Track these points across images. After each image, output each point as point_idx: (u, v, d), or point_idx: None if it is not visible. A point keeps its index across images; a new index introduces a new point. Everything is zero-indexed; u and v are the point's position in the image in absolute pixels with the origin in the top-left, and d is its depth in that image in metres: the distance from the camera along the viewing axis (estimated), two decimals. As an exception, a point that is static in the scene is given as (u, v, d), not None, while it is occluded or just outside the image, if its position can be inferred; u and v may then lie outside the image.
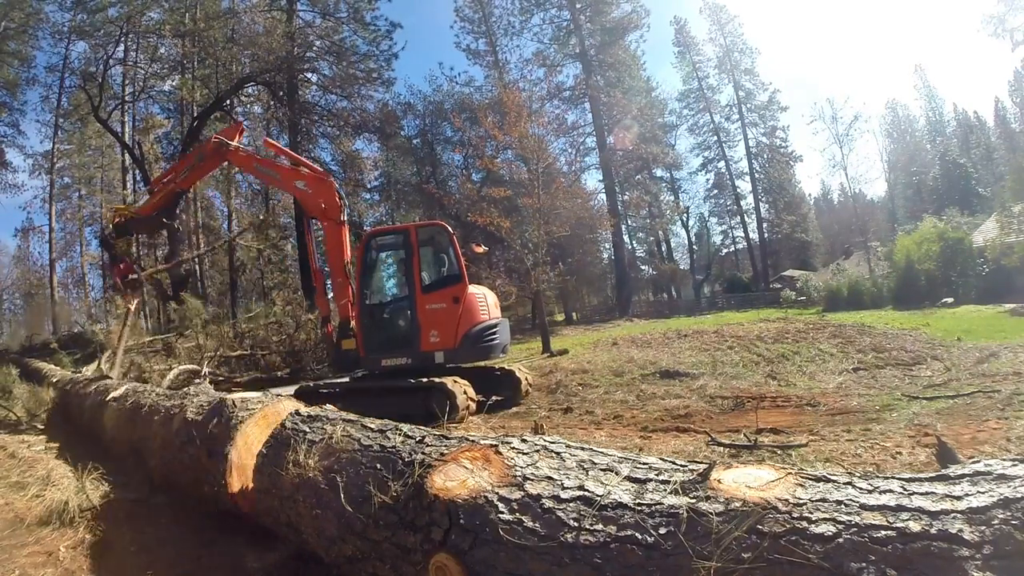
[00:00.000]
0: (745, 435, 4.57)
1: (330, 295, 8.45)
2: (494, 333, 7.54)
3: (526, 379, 8.19)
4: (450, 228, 8.06)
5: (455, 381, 6.80)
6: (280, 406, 3.04)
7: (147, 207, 8.48)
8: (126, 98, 27.80)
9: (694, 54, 44.31)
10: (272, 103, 27.85)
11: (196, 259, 28.01)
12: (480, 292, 7.86)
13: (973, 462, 1.35)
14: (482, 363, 8.01)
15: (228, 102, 25.58)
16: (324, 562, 2.15)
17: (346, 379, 8.27)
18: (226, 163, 9.01)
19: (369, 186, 32.84)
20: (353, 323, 7.76)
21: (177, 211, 8.95)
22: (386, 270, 8.18)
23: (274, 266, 27.57)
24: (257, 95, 28.09)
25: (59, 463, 4.49)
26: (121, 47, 26.59)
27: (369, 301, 7.94)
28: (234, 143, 8.17)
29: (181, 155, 9.42)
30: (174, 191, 8.37)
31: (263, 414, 2.97)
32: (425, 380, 6.90)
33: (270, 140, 9.96)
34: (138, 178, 28.18)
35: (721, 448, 4.32)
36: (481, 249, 9.23)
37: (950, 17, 70.04)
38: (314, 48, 27.81)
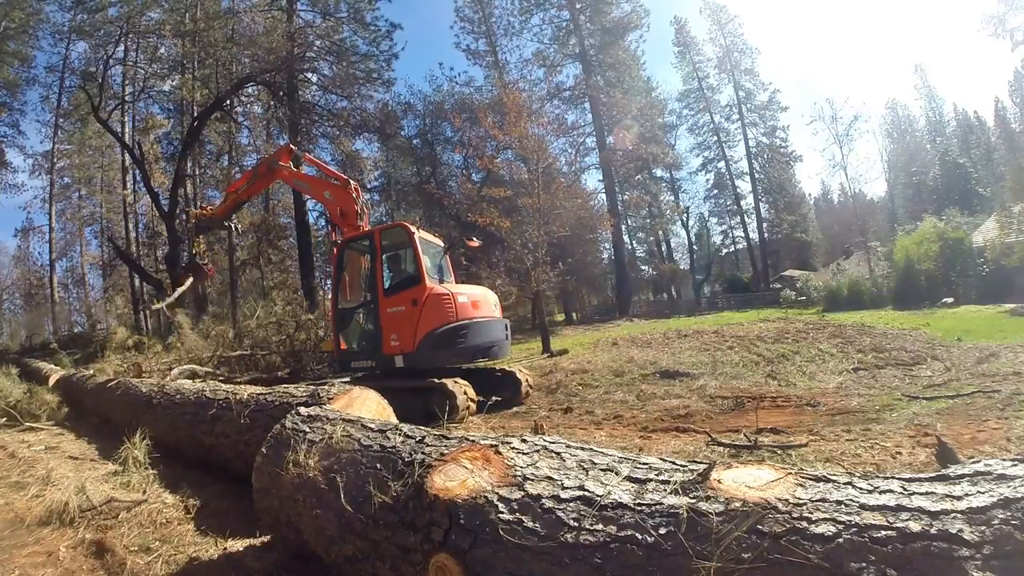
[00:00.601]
0: (745, 435, 4.57)
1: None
2: (462, 335, 7.04)
3: (526, 379, 8.18)
4: (411, 228, 7.73)
5: (455, 382, 6.79)
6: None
7: (221, 210, 10.72)
8: (126, 98, 27.80)
9: (694, 54, 44.35)
10: (272, 103, 27.84)
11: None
12: (460, 291, 7.45)
13: (973, 462, 1.35)
14: (482, 363, 8.00)
15: (228, 102, 25.56)
16: (324, 562, 2.15)
17: (346, 379, 8.28)
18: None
19: (369, 186, 32.81)
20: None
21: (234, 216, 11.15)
22: (356, 273, 8.30)
23: (274, 266, 27.56)
24: (257, 95, 28.08)
25: (59, 463, 4.50)
26: (121, 47, 26.63)
27: (341, 305, 8.04)
28: (283, 163, 9.88)
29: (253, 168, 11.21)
30: (238, 200, 10.52)
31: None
32: (425, 380, 6.90)
33: (311, 156, 11.31)
34: (138, 178, 28.20)
35: (721, 448, 4.32)
36: (475, 243, 9.30)
37: (950, 17, 70.12)
38: (314, 48, 27.79)
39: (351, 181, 9.05)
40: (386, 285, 7.63)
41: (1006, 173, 30.70)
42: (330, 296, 8.33)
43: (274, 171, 9.96)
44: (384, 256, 7.87)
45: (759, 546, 1.19)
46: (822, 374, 8.52)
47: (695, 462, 1.54)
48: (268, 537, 2.61)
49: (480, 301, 7.65)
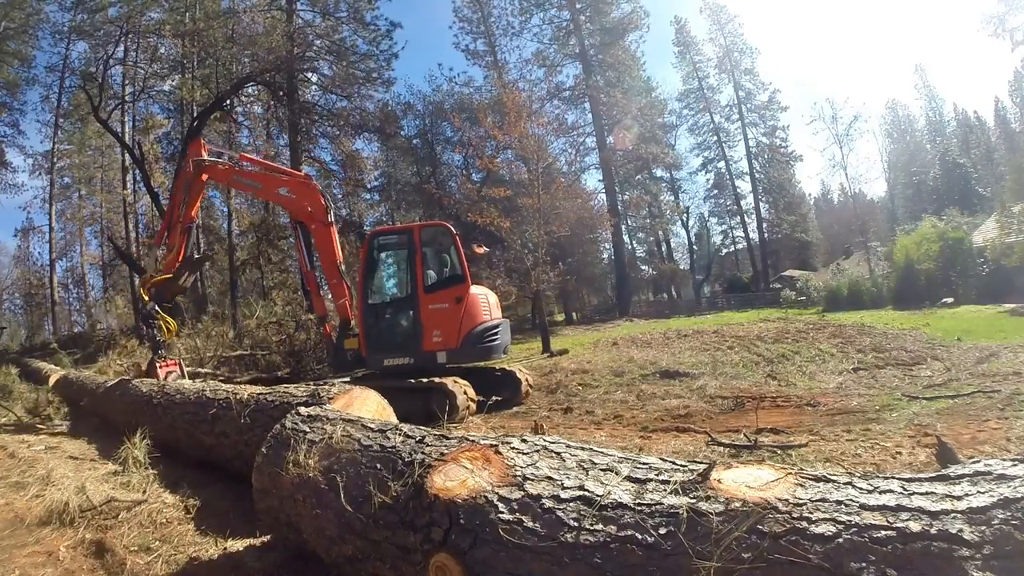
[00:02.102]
0: (745, 435, 4.57)
1: (328, 296, 8.57)
2: (495, 333, 7.56)
3: (526, 379, 8.19)
4: (453, 229, 8.12)
5: (455, 381, 6.80)
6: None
7: (171, 262, 8.04)
8: (126, 98, 27.78)
9: (694, 54, 44.29)
10: (272, 103, 27.84)
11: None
12: (482, 292, 7.88)
13: (973, 462, 1.36)
14: (482, 364, 8.01)
15: (228, 102, 25.57)
16: (324, 562, 2.15)
17: (346, 379, 8.28)
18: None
19: (369, 186, 32.82)
20: (354, 322, 7.78)
21: (192, 242, 8.56)
22: (387, 270, 8.19)
23: (274, 266, 27.54)
24: (257, 95, 28.07)
25: (59, 463, 4.50)
26: (121, 47, 26.60)
27: (371, 301, 7.95)
28: (207, 157, 8.26)
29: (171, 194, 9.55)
30: (186, 226, 8.20)
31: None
32: (425, 380, 6.90)
33: (245, 155, 9.66)
34: (138, 178, 28.17)
35: (721, 448, 4.33)
36: (482, 250, 9.23)
37: (950, 17, 70.09)
38: (314, 48, 27.79)
39: (311, 176, 8.67)
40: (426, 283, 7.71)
41: (1006, 173, 30.72)
42: (345, 293, 8.02)
43: (202, 169, 8.20)
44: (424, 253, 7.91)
45: (759, 546, 1.19)
46: (822, 374, 8.52)
47: (695, 462, 1.54)
48: (268, 537, 2.61)
49: (494, 303, 8.08)
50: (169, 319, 7.88)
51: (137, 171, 26.60)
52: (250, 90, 27.00)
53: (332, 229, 8.13)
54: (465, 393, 6.71)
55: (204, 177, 8.40)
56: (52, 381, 9.24)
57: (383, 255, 8.57)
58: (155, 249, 8.56)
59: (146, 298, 7.74)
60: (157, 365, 7.45)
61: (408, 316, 7.66)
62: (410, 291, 7.74)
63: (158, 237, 8.92)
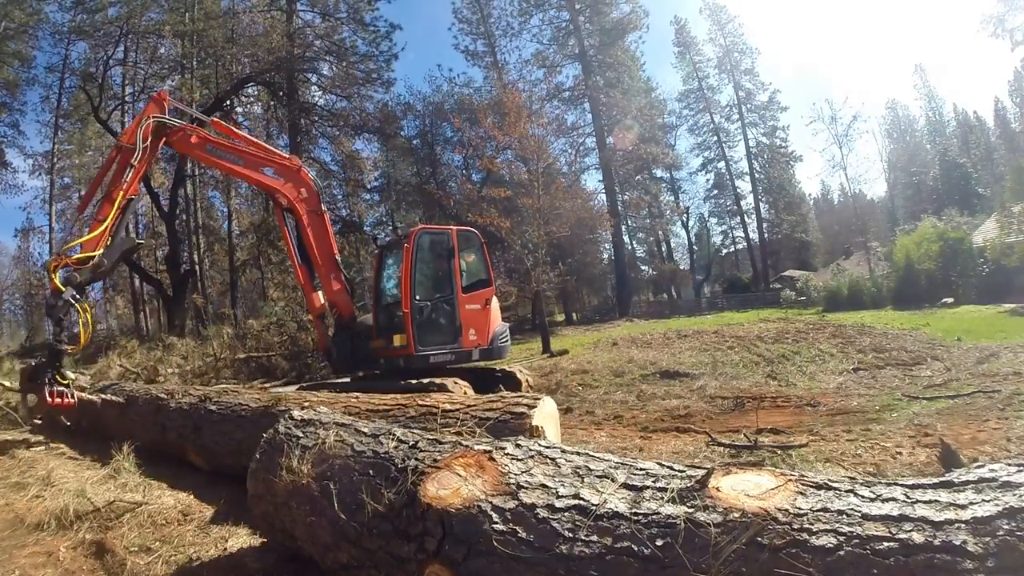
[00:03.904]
0: (745, 435, 4.55)
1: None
2: (506, 335, 8.16)
3: (526, 380, 8.17)
4: (479, 235, 8.48)
5: (455, 382, 6.77)
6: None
7: (96, 239, 5.99)
8: (126, 98, 27.77)
9: (694, 54, 44.27)
10: (272, 103, 27.83)
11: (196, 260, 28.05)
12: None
13: (977, 466, 1.33)
14: (483, 364, 8.02)
15: (228, 102, 25.56)
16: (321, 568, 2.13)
17: (346, 379, 8.26)
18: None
19: (369, 186, 32.78)
20: (360, 318, 7.79)
21: (127, 222, 6.58)
22: (430, 268, 8.19)
23: (274, 266, 27.53)
24: (257, 95, 28.07)
25: (59, 464, 4.48)
26: (121, 47, 26.58)
27: (419, 297, 7.82)
28: (170, 119, 6.63)
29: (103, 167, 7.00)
30: (123, 204, 6.24)
31: None
32: (426, 381, 6.87)
33: (219, 121, 8.03)
34: (138, 178, 28.10)
35: (721, 448, 4.30)
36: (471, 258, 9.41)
37: (950, 17, 70.06)
38: (314, 48, 27.78)
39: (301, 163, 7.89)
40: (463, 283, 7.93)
41: (1006, 173, 30.66)
42: (343, 286, 7.89)
43: (165, 134, 6.66)
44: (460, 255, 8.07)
45: (758, 559, 1.16)
46: (822, 374, 8.51)
47: (694, 467, 1.52)
48: (267, 539, 2.59)
49: (498, 307, 8.45)
50: (88, 318, 5.97)
51: (137, 171, 26.53)
52: (250, 90, 27.01)
53: (326, 218, 7.82)
54: (465, 394, 6.68)
55: (162, 142, 6.78)
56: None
57: (428, 253, 8.52)
58: (77, 221, 6.10)
59: (56, 283, 5.60)
60: (47, 386, 5.26)
61: (449, 314, 7.84)
62: (450, 290, 7.91)
63: (82, 206, 6.56)
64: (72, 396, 5.37)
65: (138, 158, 6.29)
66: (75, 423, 5.68)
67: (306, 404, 3.86)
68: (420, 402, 3.67)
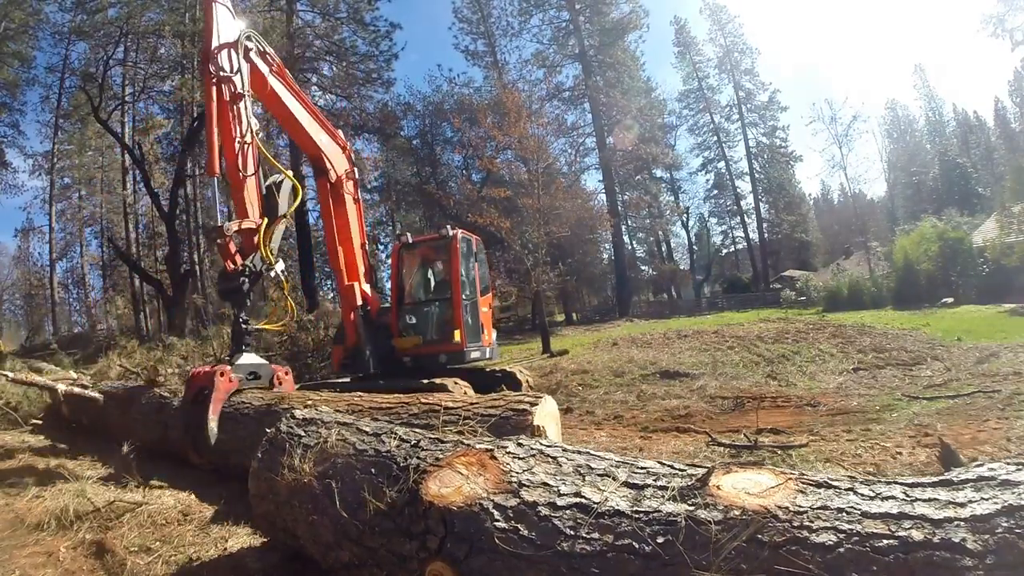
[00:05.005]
0: (745, 435, 4.55)
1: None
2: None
3: (527, 380, 8.18)
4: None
5: (456, 382, 6.78)
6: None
7: (248, 204, 5.19)
8: (126, 98, 27.79)
9: (694, 54, 44.27)
10: (272, 103, 27.77)
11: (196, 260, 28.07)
12: None
13: (976, 465, 1.34)
14: (483, 364, 8.04)
15: (228, 102, 25.50)
16: (322, 567, 2.13)
17: (347, 379, 8.26)
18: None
19: (369, 186, 32.78)
20: (381, 318, 7.79)
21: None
22: (464, 270, 8.32)
23: (274, 266, 27.54)
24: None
25: (60, 463, 4.49)
26: (121, 48, 26.59)
27: (466, 296, 7.93)
28: (258, 41, 5.49)
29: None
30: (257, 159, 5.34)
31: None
32: (425, 381, 6.88)
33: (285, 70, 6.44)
34: (138, 178, 28.16)
35: (721, 448, 4.31)
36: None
37: (950, 17, 70.05)
38: (314, 48, 27.78)
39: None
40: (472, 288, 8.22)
41: (1006, 173, 30.68)
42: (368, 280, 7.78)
43: (250, 60, 5.51)
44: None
45: (759, 556, 1.17)
46: (822, 374, 8.51)
47: (694, 466, 1.52)
48: (268, 538, 2.60)
49: None
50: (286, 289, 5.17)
51: (137, 171, 26.59)
52: (250, 90, 26.94)
53: (360, 206, 7.49)
54: (465, 394, 6.69)
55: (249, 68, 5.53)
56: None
57: (463, 256, 8.55)
58: (216, 181, 5.16)
59: (235, 255, 4.79)
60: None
61: (476, 314, 8.11)
62: (474, 292, 8.14)
63: (210, 166, 5.06)
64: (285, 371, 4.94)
65: (244, 85, 5.33)
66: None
67: (309, 403, 3.85)
68: (423, 400, 3.67)
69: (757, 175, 42.91)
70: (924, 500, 1.21)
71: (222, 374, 4.24)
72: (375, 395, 4.20)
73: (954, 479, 1.28)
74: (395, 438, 2.02)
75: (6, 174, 29.95)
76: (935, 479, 1.32)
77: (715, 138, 43.67)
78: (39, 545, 2.79)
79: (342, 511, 1.82)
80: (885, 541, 1.13)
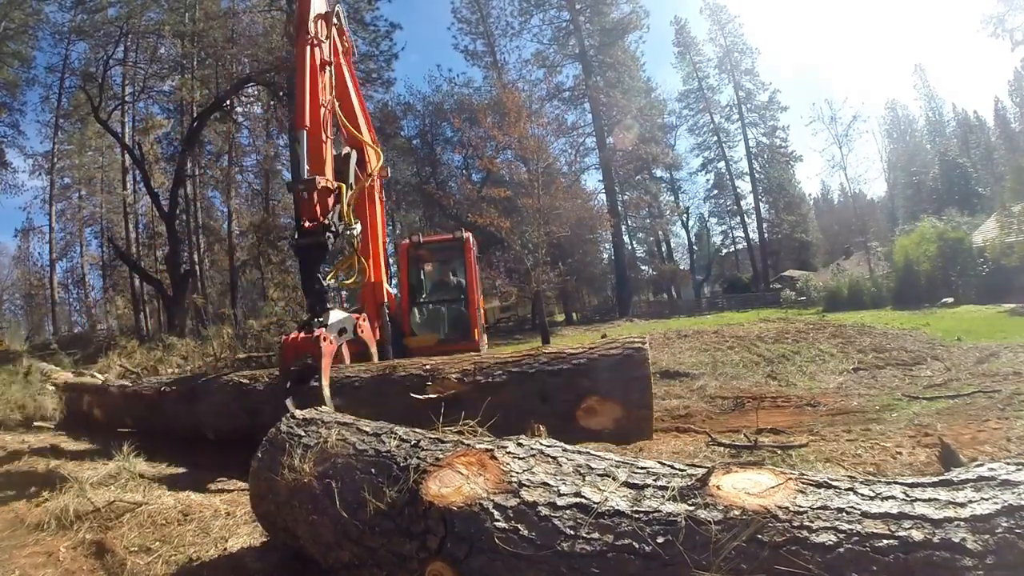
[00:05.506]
0: (745, 435, 4.55)
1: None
2: None
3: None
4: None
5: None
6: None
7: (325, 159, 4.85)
8: (126, 98, 27.79)
9: (694, 54, 44.31)
10: (272, 103, 27.82)
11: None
12: None
13: (976, 465, 1.34)
14: None
15: (228, 102, 25.56)
16: (323, 567, 2.13)
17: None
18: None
19: (369, 186, 32.78)
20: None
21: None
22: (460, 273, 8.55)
23: (274, 266, 27.55)
24: (257, 95, 28.07)
25: (60, 462, 4.49)
26: (121, 47, 26.60)
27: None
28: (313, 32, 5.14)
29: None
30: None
31: None
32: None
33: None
34: (138, 178, 28.18)
35: (721, 448, 4.30)
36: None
37: (950, 17, 70.10)
38: (314, 48, 27.72)
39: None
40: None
41: (1006, 173, 30.69)
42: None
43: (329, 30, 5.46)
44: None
45: (759, 556, 1.17)
46: (822, 374, 8.51)
47: (694, 466, 1.53)
48: (268, 538, 2.60)
49: None
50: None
51: (137, 171, 26.60)
52: (250, 90, 26.99)
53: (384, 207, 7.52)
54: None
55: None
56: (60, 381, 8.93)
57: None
58: (304, 136, 4.75)
59: (317, 211, 4.35)
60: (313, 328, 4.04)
61: (482, 314, 8.52)
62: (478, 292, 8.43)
63: (300, 119, 4.88)
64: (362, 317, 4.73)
65: (330, 53, 5.35)
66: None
67: (427, 365, 4.00)
68: (547, 352, 3.90)
69: (757, 175, 42.97)
70: (924, 500, 1.21)
71: (324, 338, 3.90)
72: (496, 353, 4.52)
73: (954, 479, 1.28)
74: (395, 438, 2.03)
75: (6, 174, 29.98)
76: (935, 479, 1.33)
77: (715, 138, 43.74)
78: (39, 545, 2.80)
79: (342, 511, 1.82)
80: (885, 541, 1.13)
